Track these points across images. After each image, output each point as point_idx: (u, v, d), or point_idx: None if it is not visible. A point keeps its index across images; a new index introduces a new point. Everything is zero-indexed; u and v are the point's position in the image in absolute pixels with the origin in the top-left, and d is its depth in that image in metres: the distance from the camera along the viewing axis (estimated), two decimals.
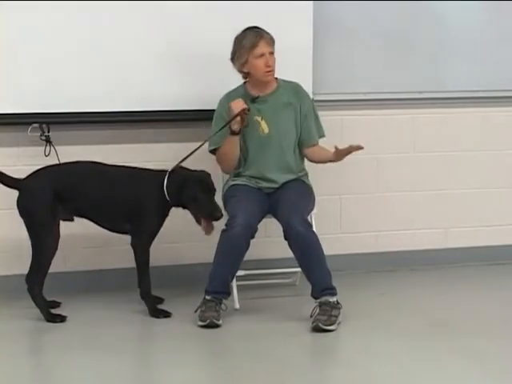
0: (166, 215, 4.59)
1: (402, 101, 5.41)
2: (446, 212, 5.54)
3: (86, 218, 4.59)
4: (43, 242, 4.46)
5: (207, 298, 4.53)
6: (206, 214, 4.48)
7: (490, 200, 5.59)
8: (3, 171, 4.51)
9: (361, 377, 3.90)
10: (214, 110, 4.73)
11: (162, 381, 3.92)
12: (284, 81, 4.73)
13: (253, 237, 4.51)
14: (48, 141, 4.91)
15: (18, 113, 4.82)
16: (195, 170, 4.59)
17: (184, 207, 4.55)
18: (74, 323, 4.52)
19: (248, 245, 4.51)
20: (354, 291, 4.95)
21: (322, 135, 4.78)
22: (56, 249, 4.52)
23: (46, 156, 4.90)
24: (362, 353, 4.16)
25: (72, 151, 4.94)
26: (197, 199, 4.48)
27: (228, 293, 4.58)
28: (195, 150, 4.57)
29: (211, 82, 4.92)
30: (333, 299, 4.46)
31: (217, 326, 4.45)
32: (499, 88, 5.50)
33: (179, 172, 4.56)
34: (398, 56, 5.37)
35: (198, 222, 4.51)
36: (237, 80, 4.71)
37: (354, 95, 5.31)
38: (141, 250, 4.52)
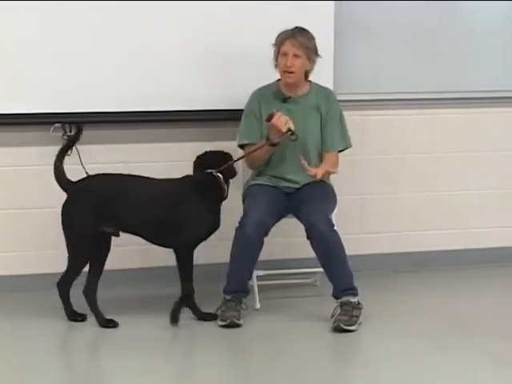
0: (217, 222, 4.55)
1: (424, 101, 5.39)
2: (467, 212, 5.52)
3: (130, 232, 4.53)
4: (77, 252, 4.45)
5: (227, 297, 4.53)
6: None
7: None
8: (63, 169, 4.50)
9: (382, 377, 3.90)
10: (240, 110, 4.74)
11: (183, 380, 3.93)
12: (318, 85, 4.73)
13: (266, 234, 4.51)
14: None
15: (41, 112, 4.84)
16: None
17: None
18: (96, 323, 4.52)
19: (262, 242, 4.50)
20: (375, 291, 4.93)
21: (347, 145, 4.77)
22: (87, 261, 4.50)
23: (68, 155, 4.90)
24: (383, 353, 4.16)
25: (94, 150, 4.96)
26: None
27: (247, 291, 4.58)
28: (238, 159, 4.59)
29: (237, 83, 4.92)
30: (354, 299, 4.46)
31: (237, 325, 4.45)
32: None
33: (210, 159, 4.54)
34: (419, 56, 5.35)
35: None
36: (263, 80, 4.71)
37: (375, 95, 5.30)
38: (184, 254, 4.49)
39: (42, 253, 5.01)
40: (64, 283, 4.50)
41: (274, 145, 4.56)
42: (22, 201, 4.99)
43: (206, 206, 4.48)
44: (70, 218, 4.43)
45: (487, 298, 4.97)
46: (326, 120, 4.69)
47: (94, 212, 4.40)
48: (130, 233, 4.52)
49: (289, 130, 4.50)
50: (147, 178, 4.54)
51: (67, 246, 4.45)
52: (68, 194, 4.47)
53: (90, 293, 4.49)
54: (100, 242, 4.47)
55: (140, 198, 4.46)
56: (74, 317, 4.52)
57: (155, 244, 4.56)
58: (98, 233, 4.44)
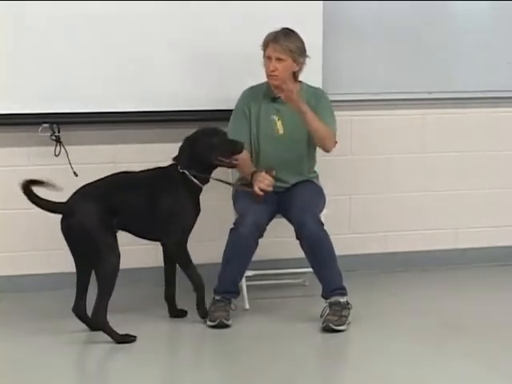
0: (197, 208, 4.49)
1: (412, 101, 5.40)
2: (456, 212, 5.53)
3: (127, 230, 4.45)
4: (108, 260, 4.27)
5: (217, 297, 4.53)
6: (229, 151, 4.45)
7: (501, 200, 5.58)
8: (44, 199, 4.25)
9: (371, 377, 3.89)
10: (227, 110, 4.74)
11: (171, 381, 3.92)
12: (308, 86, 4.72)
13: (261, 236, 4.52)
14: (58, 141, 4.91)
15: (29, 113, 4.83)
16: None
17: (210, 171, 4.48)
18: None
19: (257, 244, 4.51)
20: (365, 292, 4.94)
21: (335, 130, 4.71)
22: None
23: (56, 156, 4.91)
24: (373, 353, 4.16)
25: (82, 151, 4.96)
26: (213, 146, 4.43)
27: (237, 292, 4.59)
28: (233, 187, 4.64)
29: (224, 82, 4.93)
30: (343, 299, 4.46)
31: (226, 326, 4.45)
32: (509, 88, 5.50)
33: (182, 149, 4.50)
34: (407, 56, 5.36)
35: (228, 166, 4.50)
36: (251, 80, 4.71)
37: (363, 95, 5.31)
38: (178, 248, 4.44)
39: (38, 253, 5.02)
40: (102, 311, 4.25)
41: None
42: (14, 202, 4.97)
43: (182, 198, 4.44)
44: (95, 229, 4.22)
45: (477, 297, 4.97)
46: (316, 111, 4.62)
47: (110, 216, 4.28)
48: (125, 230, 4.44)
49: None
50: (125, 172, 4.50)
51: (96, 264, 4.23)
52: (68, 212, 4.24)
53: (78, 308, 4.40)
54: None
55: (135, 192, 4.39)
56: (125, 339, 4.29)
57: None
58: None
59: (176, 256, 4.46)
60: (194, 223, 4.48)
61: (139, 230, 4.46)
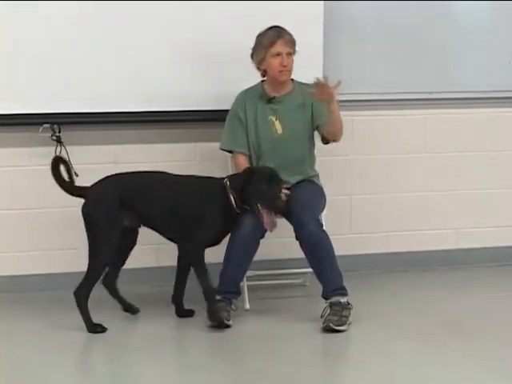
0: (229, 227, 4.48)
1: (413, 101, 5.40)
2: (457, 212, 5.52)
3: (150, 227, 4.52)
4: (100, 252, 4.37)
5: (218, 297, 4.53)
6: (272, 206, 4.40)
7: (503, 200, 5.57)
8: (69, 181, 4.46)
9: (372, 377, 3.89)
10: (227, 110, 4.74)
11: (172, 381, 3.92)
12: (300, 83, 4.72)
13: (262, 236, 4.52)
14: (59, 141, 4.91)
15: (29, 113, 4.83)
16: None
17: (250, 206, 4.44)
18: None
19: (258, 244, 4.51)
20: (366, 292, 4.93)
21: None
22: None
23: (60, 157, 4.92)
24: (374, 353, 4.15)
25: (83, 151, 4.96)
26: (259, 192, 4.39)
27: (238, 293, 4.59)
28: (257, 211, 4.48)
29: (225, 82, 4.92)
30: (343, 300, 4.46)
31: (227, 326, 4.45)
32: (509, 88, 5.49)
33: (242, 173, 4.50)
34: (408, 56, 5.36)
35: (261, 218, 4.41)
36: (251, 80, 4.72)
37: (364, 95, 5.31)
38: (195, 255, 4.45)
39: (40, 253, 5.02)
40: (83, 290, 4.38)
41: None
42: (15, 202, 4.98)
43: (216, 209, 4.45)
44: (97, 219, 4.34)
45: (478, 297, 4.97)
46: (319, 106, 4.60)
47: (119, 209, 4.37)
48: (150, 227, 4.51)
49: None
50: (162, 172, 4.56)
51: (91, 247, 4.36)
52: (89, 197, 4.39)
53: (109, 283, 4.55)
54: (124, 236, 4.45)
55: (161, 192, 4.45)
56: (95, 329, 4.37)
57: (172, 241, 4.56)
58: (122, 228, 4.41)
59: (192, 262, 4.45)
60: (219, 238, 4.49)
61: (161, 227, 4.51)
